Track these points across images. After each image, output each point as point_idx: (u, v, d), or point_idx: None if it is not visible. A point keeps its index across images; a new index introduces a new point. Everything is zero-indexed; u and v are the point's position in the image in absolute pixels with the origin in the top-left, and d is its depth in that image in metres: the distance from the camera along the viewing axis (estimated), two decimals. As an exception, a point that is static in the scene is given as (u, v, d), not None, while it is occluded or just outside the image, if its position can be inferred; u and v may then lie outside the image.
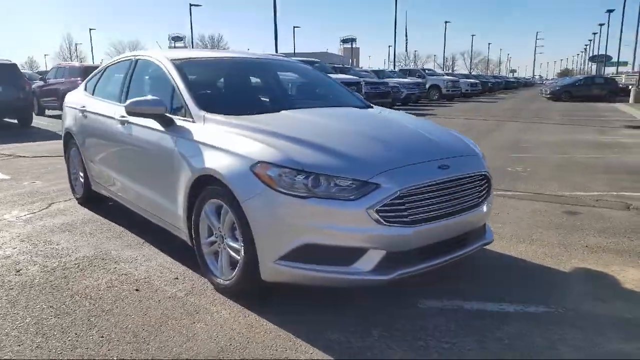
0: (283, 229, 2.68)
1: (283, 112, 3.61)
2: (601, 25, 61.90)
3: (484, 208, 3.16)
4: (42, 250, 3.91)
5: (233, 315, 2.86)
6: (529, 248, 3.96)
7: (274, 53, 17.69)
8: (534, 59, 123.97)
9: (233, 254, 2.99)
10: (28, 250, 3.88)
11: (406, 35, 77.57)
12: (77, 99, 5.14)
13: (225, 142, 3.03)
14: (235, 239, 2.97)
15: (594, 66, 66.06)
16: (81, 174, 5.12)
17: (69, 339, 2.60)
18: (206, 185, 3.12)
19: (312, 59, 18.40)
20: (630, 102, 27.06)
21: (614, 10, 50.01)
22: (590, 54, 77.87)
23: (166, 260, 3.67)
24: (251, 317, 2.82)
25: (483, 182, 3.18)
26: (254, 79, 4.53)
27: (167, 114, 3.49)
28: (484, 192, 3.17)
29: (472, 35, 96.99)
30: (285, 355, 2.45)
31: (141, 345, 2.53)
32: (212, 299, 3.05)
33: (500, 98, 33.93)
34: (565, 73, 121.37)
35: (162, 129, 3.50)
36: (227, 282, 3.04)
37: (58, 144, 6.80)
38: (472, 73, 63.23)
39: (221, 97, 3.99)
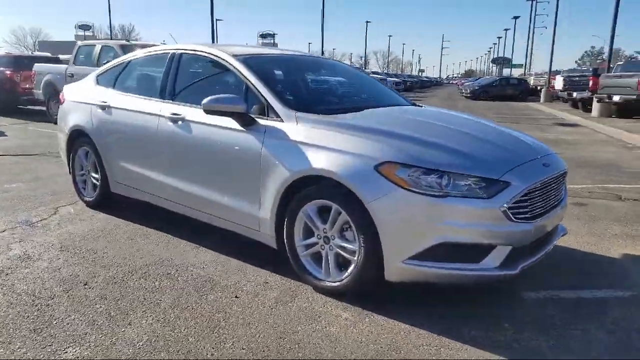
0: (417, 228, 2.68)
1: (366, 110, 3.59)
2: (506, 30, 66.88)
3: (566, 201, 3.34)
4: (92, 259, 3.62)
5: (356, 317, 2.83)
6: (570, 239, 4.18)
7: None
8: (441, 60, 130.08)
9: (346, 255, 2.94)
10: (76, 261, 3.57)
11: (322, 33, 78.20)
12: (89, 93, 4.75)
13: (334, 142, 2.96)
14: (346, 240, 2.92)
15: (495, 68, 70.88)
16: (94, 176, 4.76)
17: (216, 354, 2.45)
18: (304, 187, 3.03)
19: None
20: (541, 101, 29.24)
21: (519, 17, 53.92)
22: (493, 57, 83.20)
23: (240, 264, 3.54)
24: (377, 318, 2.81)
25: (565, 177, 3.35)
26: (319, 77, 4.42)
27: (248, 113, 3.32)
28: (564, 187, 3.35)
29: (389, 36, 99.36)
30: (449, 355, 2.47)
31: (296, 354, 2.43)
32: (323, 302, 3.00)
33: (423, 96, 35.30)
34: (469, 74, 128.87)
35: (240, 128, 3.34)
36: (336, 283, 2.99)
37: (9, 141, 6.21)
38: (385, 72, 65.28)
39: (300, 95, 3.87)
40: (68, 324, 2.69)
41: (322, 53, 25.09)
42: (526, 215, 2.79)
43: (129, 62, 4.63)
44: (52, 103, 11.94)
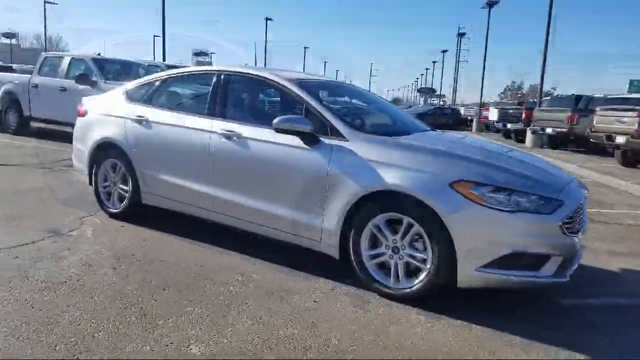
0: (491, 239, 3.11)
1: (416, 134, 4.02)
2: (434, 62, 71.12)
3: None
4: (154, 266, 3.75)
5: (432, 319, 3.18)
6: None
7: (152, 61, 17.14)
8: (369, 87, 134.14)
9: (417, 263, 3.31)
10: (140, 268, 3.70)
11: (255, 58, 78.64)
12: (120, 107, 4.87)
13: (405, 161, 3.36)
14: (416, 249, 3.30)
15: (419, 97, 74.80)
16: (123, 187, 4.86)
17: (329, 349, 2.74)
18: (374, 201, 3.39)
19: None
20: (473, 130, 31.15)
21: (447, 51, 57.56)
22: (419, 86, 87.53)
23: (297, 272, 3.79)
24: (450, 320, 3.17)
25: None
26: (357, 101, 4.79)
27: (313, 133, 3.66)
28: None
29: (325, 62, 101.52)
30: (550, 355, 2.85)
31: (398, 352, 2.78)
32: (396, 307, 3.32)
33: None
34: (395, 102, 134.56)
35: (303, 146, 3.66)
36: (406, 290, 3.34)
37: None
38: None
39: (354, 117, 4.21)
40: (174, 325, 2.87)
41: (164, 59, 25.15)
42: (572, 230, 3.29)
43: (165, 80, 4.80)
44: (9, 113, 11.50)
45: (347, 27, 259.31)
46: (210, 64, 70.98)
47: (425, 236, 3.22)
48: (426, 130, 4.44)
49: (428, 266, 3.24)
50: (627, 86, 40.00)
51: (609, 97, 16.41)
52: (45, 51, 36.23)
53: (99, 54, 11.38)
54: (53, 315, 2.87)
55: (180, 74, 4.77)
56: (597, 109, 13.24)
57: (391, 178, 3.30)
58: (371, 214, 3.41)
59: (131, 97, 4.93)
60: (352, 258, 3.52)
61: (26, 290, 3.18)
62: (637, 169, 12.30)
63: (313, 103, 3.80)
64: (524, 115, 20.51)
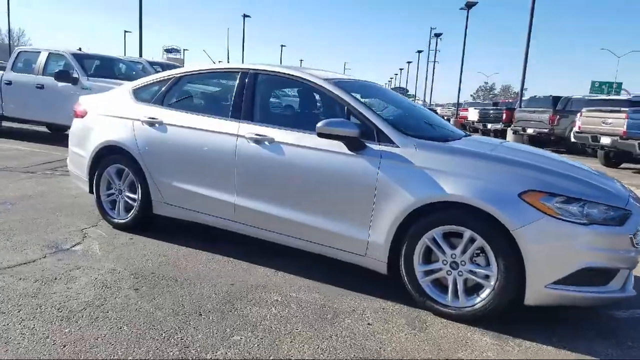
0: (564, 254, 2.85)
1: (465, 139, 3.74)
2: (409, 62, 71.97)
3: None
4: (179, 286, 3.39)
5: (500, 341, 2.92)
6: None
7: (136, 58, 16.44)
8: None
9: (479, 280, 3.03)
10: (165, 290, 3.33)
11: (228, 55, 77.64)
12: (127, 107, 4.44)
13: (466, 169, 3.08)
14: (478, 265, 3.03)
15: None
16: (130, 196, 4.44)
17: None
18: (430, 212, 3.10)
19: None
20: (450, 130, 31.27)
21: (422, 51, 57.83)
22: (392, 86, 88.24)
23: (339, 290, 3.48)
24: (518, 341, 2.92)
25: None
26: (392, 103, 4.47)
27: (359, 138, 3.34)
28: None
29: (301, 60, 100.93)
30: None
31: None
32: (457, 328, 3.05)
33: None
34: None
35: (348, 152, 3.35)
36: (467, 309, 3.06)
37: None
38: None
39: (400, 121, 3.88)
40: (232, 345, 2.51)
41: (141, 55, 24.29)
42: (637, 243, 3.06)
43: (179, 78, 4.40)
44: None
45: (323, 26, 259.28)
46: (182, 61, 69.83)
47: (490, 251, 2.94)
48: (467, 135, 4.17)
49: (492, 283, 2.96)
50: (589, 87, 40.96)
51: (589, 98, 16.57)
52: (10, 47, 34.72)
53: (80, 49, 10.76)
54: (81, 352, 2.46)
55: (197, 72, 4.38)
56: (583, 110, 13.27)
57: (452, 187, 3.01)
58: (427, 226, 3.11)
59: (140, 96, 4.50)
60: (404, 274, 3.22)
61: (41, 321, 2.76)
62: (620, 169, 12.43)
63: (356, 105, 3.48)
64: (504, 116, 20.60)
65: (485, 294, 3.00)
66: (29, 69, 10.23)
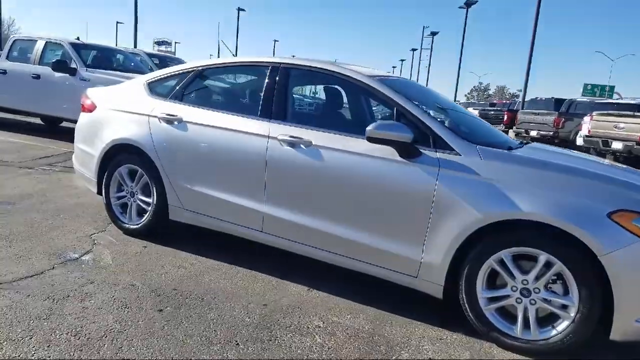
0: (660, 284, 2.49)
1: (525, 147, 3.37)
2: (402, 60, 71.89)
3: None
4: (208, 308, 3.00)
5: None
6: None
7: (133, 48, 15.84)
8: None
9: (554, 309, 2.67)
10: (195, 312, 2.95)
11: (219, 49, 76.78)
12: (141, 102, 4.03)
13: (543, 182, 2.71)
14: (554, 293, 2.66)
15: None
16: (144, 199, 4.02)
17: None
18: (497, 231, 2.73)
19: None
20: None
21: (416, 49, 57.41)
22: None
23: (384, 314, 3.12)
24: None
25: None
26: (446, 106, 4.06)
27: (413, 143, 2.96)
28: None
29: (293, 56, 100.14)
30: None
31: None
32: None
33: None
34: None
35: (399, 159, 2.97)
36: (540, 342, 2.70)
37: None
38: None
39: (456, 126, 3.49)
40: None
41: (135, 46, 23.61)
42: None
43: (201, 71, 3.98)
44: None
45: (316, 21, 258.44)
46: (174, 53, 68.99)
47: (571, 278, 2.58)
48: (526, 142, 3.78)
49: (572, 314, 2.60)
50: (582, 89, 40.89)
51: (597, 102, 16.33)
52: (0, 35, 33.82)
53: (78, 38, 10.25)
54: (108, 394, 2.06)
55: (221, 65, 3.96)
56: (594, 113, 12.98)
57: (528, 204, 2.64)
58: (495, 247, 2.73)
59: (156, 91, 4.09)
60: (464, 300, 2.84)
61: (58, 350, 2.37)
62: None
63: (408, 106, 3.10)
64: (505, 117, 20.32)
65: (562, 326, 2.63)
66: (25, 58, 9.73)
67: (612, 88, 40.65)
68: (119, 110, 4.11)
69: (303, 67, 3.57)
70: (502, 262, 2.75)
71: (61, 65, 8.90)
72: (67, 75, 8.91)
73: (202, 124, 3.68)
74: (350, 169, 3.09)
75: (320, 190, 3.20)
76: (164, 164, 3.81)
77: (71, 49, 9.26)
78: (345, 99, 3.75)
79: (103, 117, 4.19)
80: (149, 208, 3.99)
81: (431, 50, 49.78)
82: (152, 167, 3.88)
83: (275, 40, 73.03)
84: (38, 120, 11.11)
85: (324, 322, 2.90)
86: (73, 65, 8.98)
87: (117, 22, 56.71)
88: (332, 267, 3.34)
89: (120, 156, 4.07)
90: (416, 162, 2.94)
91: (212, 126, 3.63)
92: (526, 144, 3.64)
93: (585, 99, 17.81)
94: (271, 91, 3.53)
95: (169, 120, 3.81)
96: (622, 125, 12.15)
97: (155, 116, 3.88)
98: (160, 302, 2.95)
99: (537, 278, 2.68)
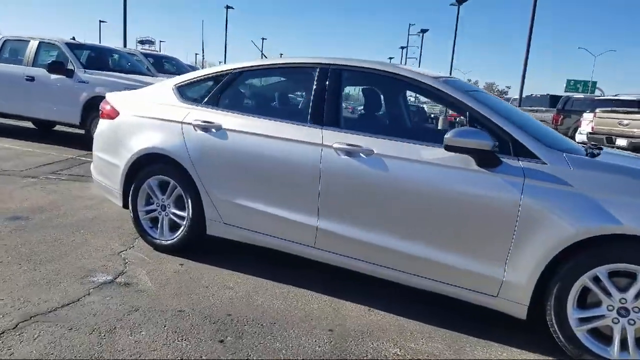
0: None
1: (603, 153, 3.13)
2: (390, 58, 72.81)
3: None
4: (269, 336, 2.73)
5: None
6: None
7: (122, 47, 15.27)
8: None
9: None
10: (259, 342, 2.67)
11: (203, 48, 76.16)
12: (172, 108, 3.73)
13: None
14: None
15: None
16: (177, 213, 3.73)
17: None
18: (592, 247, 2.50)
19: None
20: (439, 127, 30.93)
21: (405, 47, 57.55)
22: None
23: (460, 336, 2.88)
24: None
25: None
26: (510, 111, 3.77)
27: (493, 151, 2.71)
28: None
29: (281, 54, 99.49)
30: None
31: None
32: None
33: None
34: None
35: (479, 169, 2.72)
36: (641, 365, 2.46)
37: None
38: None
39: (533, 132, 3.23)
40: None
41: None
42: None
43: (238, 74, 3.69)
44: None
45: (303, 19, 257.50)
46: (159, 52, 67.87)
47: (677, 296, 2.34)
48: (598, 148, 3.53)
49: (678, 335, 2.36)
50: (565, 85, 41.15)
51: (596, 98, 16.30)
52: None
53: (73, 38, 9.82)
54: None
55: (262, 67, 3.67)
56: (597, 110, 12.91)
57: (626, 216, 2.40)
58: (589, 263, 2.51)
59: (187, 95, 3.78)
60: (553, 321, 2.61)
61: (122, 397, 2.04)
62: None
63: (484, 111, 2.85)
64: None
65: (666, 347, 2.40)
66: (17, 59, 9.28)
67: (594, 84, 40.96)
68: (146, 117, 3.80)
69: (356, 68, 3.30)
70: (596, 280, 2.51)
71: (57, 67, 8.52)
72: (64, 77, 8.52)
73: (243, 132, 3.39)
74: (420, 180, 2.83)
75: (384, 203, 2.93)
76: (201, 175, 3.51)
77: (67, 49, 8.86)
78: (405, 103, 3.47)
79: (128, 125, 3.87)
80: (184, 222, 3.69)
81: (421, 48, 49.76)
82: (186, 179, 3.59)
83: (263, 39, 71.97)
84: (30, 125, 10.66)
85: (401, 349, 2.64)
86: (70, 67, 8.60)
87: (100, 21, 55.58)
88: (384, 282, 3.09)
89: (150, 167, 3.76)
90: (496, 171, 2.69)
91: (256, 134, 3.34)
92: (594, 148, 3.39)
93: (581, 95, 17.77)
94: (321, 95, 3.26)
95: (206, 127, 3.51)
96: (626, 122, 12.08)
97: (190, 123, 3.57)
98: (218, 332, 2.66)
99: (637, 296, 2.44)
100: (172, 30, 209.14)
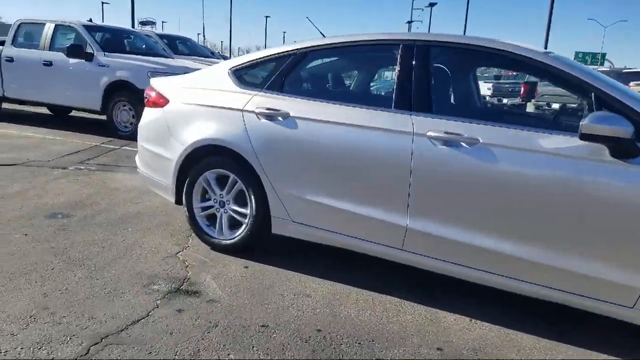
0: None
1: None
2: None
3: None
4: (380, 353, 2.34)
5: None
6: None
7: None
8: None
9: None
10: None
11: (203, 28, 74.86)
12: (230, 94, 3.35)
13: None
14: None
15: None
16: (236, 209, 3.39)
17: None
18: None
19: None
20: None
21: (412, 22, 56.38)
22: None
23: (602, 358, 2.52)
24: None
25: None
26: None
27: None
28: None
29: (284, 32, 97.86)
30: None
31: None
32: None
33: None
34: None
35: (613, 159, 2.33)
36: None
37: None
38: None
39: None
40: None
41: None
42: None
43: (304, 54, 3.29)
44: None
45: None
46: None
47: None
48: None
49: None
50: (573, 58, 40.24)
51: (625, 71, 15.73)
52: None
53: (90, 20, 9.39)
54: None
55: (333, 46, 3.26)
56: (631, 84, 12.41)
57: None
58: None
59: (245, 80, 3.39)
60: None
61: None
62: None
63: (614, 93, 2.45)
64: (522, 89, 19.67)
65: None
66: (33, 43, 8.87)
67: (603, 55, 40.00)
68: (200, 105, 3.41)
69: (449, 44, 2.89)
70: None
71: (76, 50, 8.12)
72: (83, 61, 8.12)
73: (315, 120, 3.01)
74: (540, 174, 2.45)
75: (494, 201, 2.56)
76: (266, 169, 3.14)
77: (85, 32, 8.45)
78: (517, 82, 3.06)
79: (179, 114, 3.49)
80: (246, 220, 3.34)
81: (430, 23, 48.74)
82: (249, 173, 3.22)
83: (266, 16, 70.77)
84: (45, 110, 10.31)
85: (524, 370, 2.28)
86: (89, 50, 8.18)
87: (103, 2, 54.71)
88: (471, 287, 2.74)
89: (207, 160, 3.40)
90: (635, 163, 2.30)
91: (330, 122, 2.97)
92: None
93: (606, 68, 17.18)
94: (408, 76, 2.87)
95: (271, 115, 3.13)
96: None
97: (252, 111, 3.19)
98: (314, 352, 2.32)
99: None
100: (172, 10, 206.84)
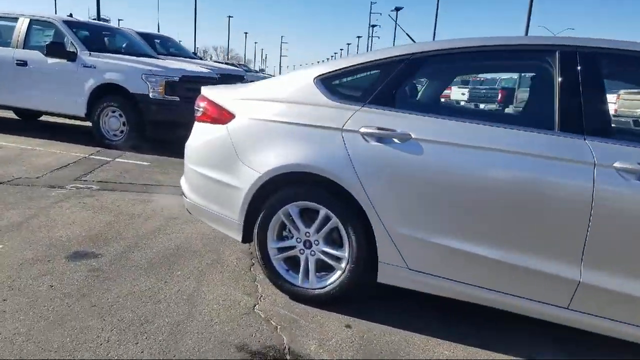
0: None
1: None
2: (348, 44, 71.58)
3: None
4: None
5: None
6: None
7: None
8: (280, 61, 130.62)
9: None
10: None
11: (158, 27, 72.65)
12: (319, 109, 2.69)
13: None
14: None
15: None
16: (327, 251, 2.75)
17: None
18: None
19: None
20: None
21: (361, 36, 56.72)
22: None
23: None
24: None
25: None
26: None
27: None
28: None
29: (245, 33, 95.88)
30: None
31: None
32: None
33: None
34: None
35: None
36: None
37: None
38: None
39: None
40: None
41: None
42: None
43: (420, 60, 2.66)
44: None
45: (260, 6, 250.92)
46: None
47: None
48: None
49: None
50: None
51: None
52: None
53: (71, 15, 8.40)
54: None
55: (456, 50, 2.63)
56: (621, 92, 12.37)
57: None
58: None
59: (340, 91, 2.73)
60: None
61: None
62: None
63: None
64: (499, 95, 19.65)
65: None
66: (3, 40, 7.83)
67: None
68: (280, 122, 2.73)
69: (624, 52, 2.30)
70: None
71: (57, 49, 7.20)
72: (65, 61, 7.18)
73: (449, 143, 2.37)
74: None
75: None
76: (376, 203, 2.49)
77: (66, 29, 7.52)
78: None
79: (251, 132, 2.79)
80: (342, 265, 2.67)
81: (395, 28, 48.61)
82: (348, 206, 2.57)
83: (229, 17, 68.86)
84: (11, 115, 9.22)
85: None
86: (71, 49, 7.24)
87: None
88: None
89: (288, 190, 2.71)
90: None
91: (470, 146, 2.33)
92: None
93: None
94: (572, 91, 2.27)
95: (383, 137, 2.48)
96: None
97: (355, 131, 2.53)
98: None
99: None
100: (123, 7, 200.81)
